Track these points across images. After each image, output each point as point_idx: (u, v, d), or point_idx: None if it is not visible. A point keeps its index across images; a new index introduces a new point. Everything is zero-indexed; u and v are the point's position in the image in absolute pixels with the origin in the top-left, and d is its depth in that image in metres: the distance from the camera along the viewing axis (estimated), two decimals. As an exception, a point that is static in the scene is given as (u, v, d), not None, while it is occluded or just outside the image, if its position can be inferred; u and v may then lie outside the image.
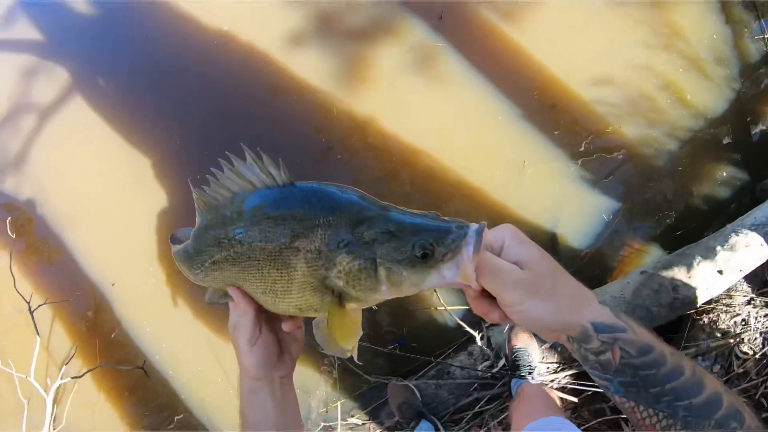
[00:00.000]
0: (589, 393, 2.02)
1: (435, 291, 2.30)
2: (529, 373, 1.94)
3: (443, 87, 2.74)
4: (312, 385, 2.48)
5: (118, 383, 2.71)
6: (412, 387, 2.14)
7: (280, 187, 0.48)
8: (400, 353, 2.30)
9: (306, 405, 2.41)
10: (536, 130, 2.60)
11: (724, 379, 2.00)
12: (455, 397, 2.12)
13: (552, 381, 2.10)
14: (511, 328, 2.09)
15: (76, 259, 2.85)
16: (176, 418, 2.59)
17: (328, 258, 0.46)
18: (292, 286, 0.50)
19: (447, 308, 2.27)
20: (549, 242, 2.47)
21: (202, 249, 0.56)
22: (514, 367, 1.97)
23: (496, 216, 2.52)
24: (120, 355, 2.71)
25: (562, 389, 2.11)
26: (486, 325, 2.25)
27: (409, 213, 0.48)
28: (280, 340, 0.63)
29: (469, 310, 2.35)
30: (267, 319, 0.60)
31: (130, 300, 2.76)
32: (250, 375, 0.61)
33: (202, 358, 2.60)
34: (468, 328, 2.16)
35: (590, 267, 2.47)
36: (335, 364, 2.36)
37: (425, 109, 2.73)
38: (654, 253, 2.53)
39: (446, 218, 0.48)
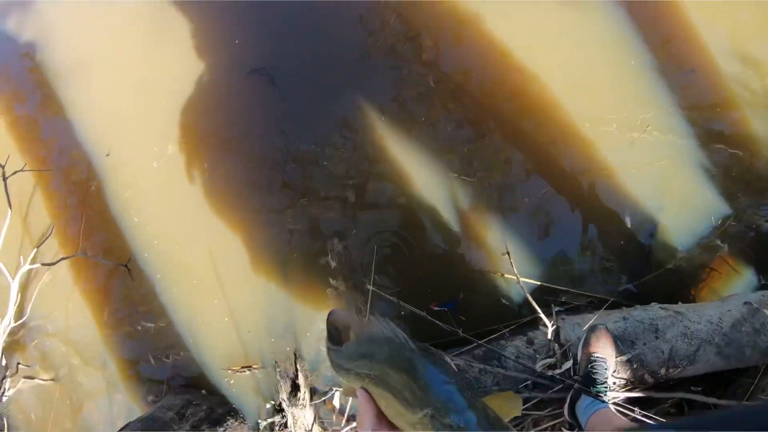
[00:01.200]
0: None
1: (508, 254, 1.88)
2: (604, 391, 1.55)
3: (575, 8, 2.16)
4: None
5: (97, 278, 2.30)
6: (452, 365, 1.74)
7: (410, 351, 0.63)
8: (430, 319, 1.89)
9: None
10: (667, 91, 2.09)
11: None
12: (500, 390, 1.74)
13: (615, 398, 1.73)
14: (592, 329, 1.68)
15: (70, 119, 2.35)
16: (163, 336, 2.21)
17: (424, 414, 0.58)
18: (397, 412, 0.63)
19: (519, 278, 1.85)
20: (648, 229, 2.05)
21: (354, 359, 0.71)
22: (587, 379, 1.57)
23: (596, 177, 2.07)
24: (104, 246, 2.28)
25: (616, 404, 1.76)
26: (558, 309, 1.85)
27: (484, 416, 0.57)
28: None
29: (542, 288, 2.01)
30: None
31: (125, 180, 2.29)
32: None
33: (199, 269, 2.18)
34: (538, 309, 1.75)
35: (681, 271, 2.10)
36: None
37: (544, 27, 2.17)
38: (746, 277, 2.17)
39: None
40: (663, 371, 1.81)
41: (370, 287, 1.88)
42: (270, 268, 2.14)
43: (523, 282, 1.86)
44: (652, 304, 1.91)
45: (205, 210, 2.19)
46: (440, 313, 1.91)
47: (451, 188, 2.10)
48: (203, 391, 2.12)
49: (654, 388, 1.90)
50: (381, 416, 0.65)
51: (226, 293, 2.14)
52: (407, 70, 2.21)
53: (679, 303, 1.97)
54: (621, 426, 1.32)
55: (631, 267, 2.03)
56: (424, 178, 2.12)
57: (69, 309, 2.32)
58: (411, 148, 2.16)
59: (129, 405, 2.31)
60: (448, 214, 2.08)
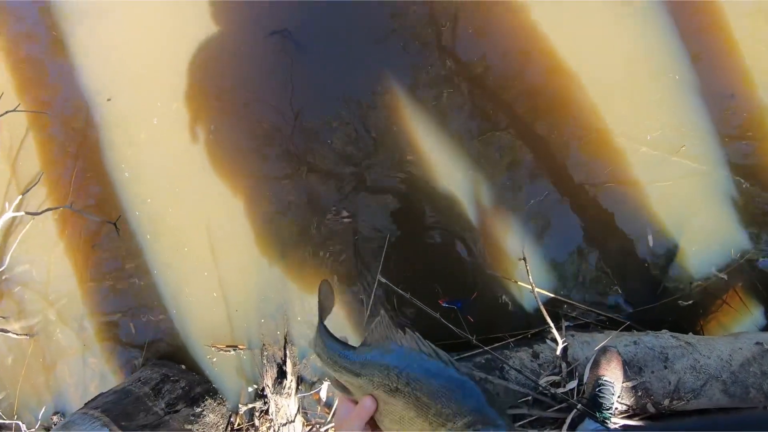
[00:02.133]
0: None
1: (525, 260, 1.78)
2: (609, 417, 1.47)
3: (628, 13, 2.03)
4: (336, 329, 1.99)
5: (83, 233, 2.18)
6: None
7: (452, 369, 0.60)
8: (444, 322, 1.80)
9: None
10: (705, 113, 1.99)
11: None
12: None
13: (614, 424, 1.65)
14: (604, 350, 1.60)
15: (75, 64, 2.20)
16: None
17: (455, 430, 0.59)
18: (415, 428, 0.63)
19: (534, 288, 1.75)
20: (668, 250, 1.97)
21: (370, 366, 0.67)
22: (593, 402, 1.49)
23: (621, 191, 1.99)
24: (95, 200, 2.15)
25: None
26: (568, 324, 1.76)
27: None
28: None
29: (552, 301, 1.90)
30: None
31: (123, 133, 2.15)
32: None
33: (192, 236, 2.06)
34: (551, 324, 1.66)
35: (695, 299, 1.98)
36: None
37: (593, 25, 2.05)
38: (756, 317, 2.10)
39: None
40: (666, 402, 1.74)
41: (378, 276, 1.77)
42: (268, 243, 2.03)
43: (537, 292, 1.76)
44: (663, 331, 1.84)
45: (205, 174, 2.06)
46: (447, 311, 1.82)
47: (463, 181, 1.99)
48: (183, 366, 2.02)
49: (651, 419, 1.83)
50: (373, 425, 0.65)
51: (219, 264, 2.02)
52: (425, 55, 2.09)
53: (690, 333, 1.90)
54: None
55: (645, 289, 1.95)
56: (435, 167, 2.01)
57: (51, 263, 2.20)
58: (421, 133, 2.05)
59: (103, 370, 2.21)
60: (460, 208, 1.97)
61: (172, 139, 2.10)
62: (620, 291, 1.94)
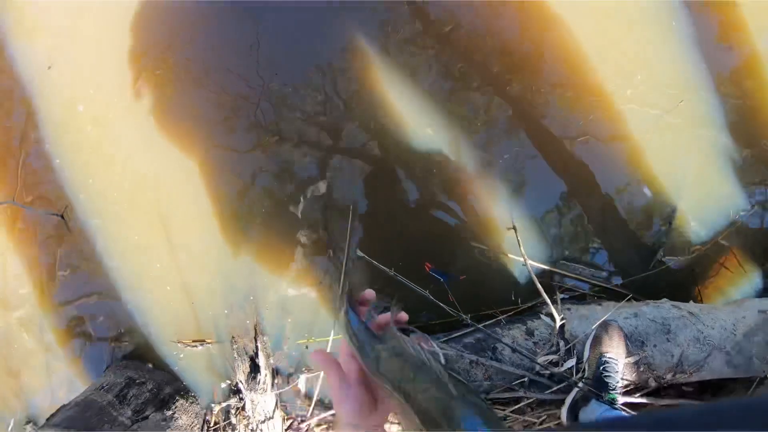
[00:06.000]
0: None
1: (515, 229, 1.65)
2: (616, 397, 1.36)
3: None
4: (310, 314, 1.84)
5: (35, 231, 1.98)
6: (438, 351, 1.53)
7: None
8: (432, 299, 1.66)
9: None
10: (702, 65, 1.85)
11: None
12: (491, 385, 1.54)
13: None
14: (605, 326, 1.48)
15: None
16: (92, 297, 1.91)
17: None
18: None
19: (526, 259, 1.62)
20: (666, 214, 1.87)
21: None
22: (599, 383, 1.37)
23: (616, 148, 1.84)
24: (42, 189, 1.95)
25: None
26: (563, 297, 1.64)
27: None
28: (374, 392, 0.66)
29: (547, 272, 1.76)
30: (361, 375, 0.65)
31: (61, 108, 1.92)
32: (346, 421, 0.64)
33: (143, 221, 1.86)
34: (548, 300, 1.53)
35: (690, 266, 1.90)
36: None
37: None
38: (753, 281, 2.02)
39: None
40: (669, 376, 1.64)
41: (355, 251, 1.61)
42: (230, 223, 1.84)
43: (530, 264, 1.63)
44: (663, 300, 1.73)
45: (156, 149, 1.85)
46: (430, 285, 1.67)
47: (441, 142, 1.83)
48: (150, 365, 1.85)
49: (653, 394, 1.73)
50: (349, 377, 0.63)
51: (175, 252, 1.83)
52: (393, 13, 1.91)
53: (691, 302, 1.80)
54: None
55: (640, 257, 1.84)
56: (409, 129, 1.85)
57: (6, 263, 2.00)
58: (395, 96, 1.88)
59: (69, 375, 2.04)
60: (438, 172, 1.82)
61: (114, 111, 1.89)
62: (614, 259, 1.82)
